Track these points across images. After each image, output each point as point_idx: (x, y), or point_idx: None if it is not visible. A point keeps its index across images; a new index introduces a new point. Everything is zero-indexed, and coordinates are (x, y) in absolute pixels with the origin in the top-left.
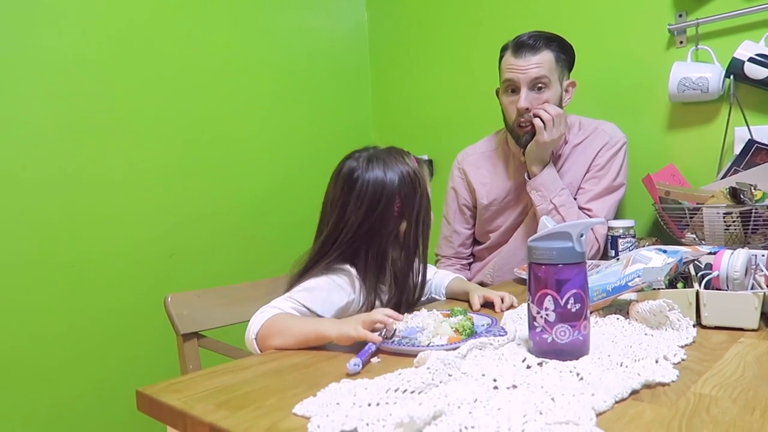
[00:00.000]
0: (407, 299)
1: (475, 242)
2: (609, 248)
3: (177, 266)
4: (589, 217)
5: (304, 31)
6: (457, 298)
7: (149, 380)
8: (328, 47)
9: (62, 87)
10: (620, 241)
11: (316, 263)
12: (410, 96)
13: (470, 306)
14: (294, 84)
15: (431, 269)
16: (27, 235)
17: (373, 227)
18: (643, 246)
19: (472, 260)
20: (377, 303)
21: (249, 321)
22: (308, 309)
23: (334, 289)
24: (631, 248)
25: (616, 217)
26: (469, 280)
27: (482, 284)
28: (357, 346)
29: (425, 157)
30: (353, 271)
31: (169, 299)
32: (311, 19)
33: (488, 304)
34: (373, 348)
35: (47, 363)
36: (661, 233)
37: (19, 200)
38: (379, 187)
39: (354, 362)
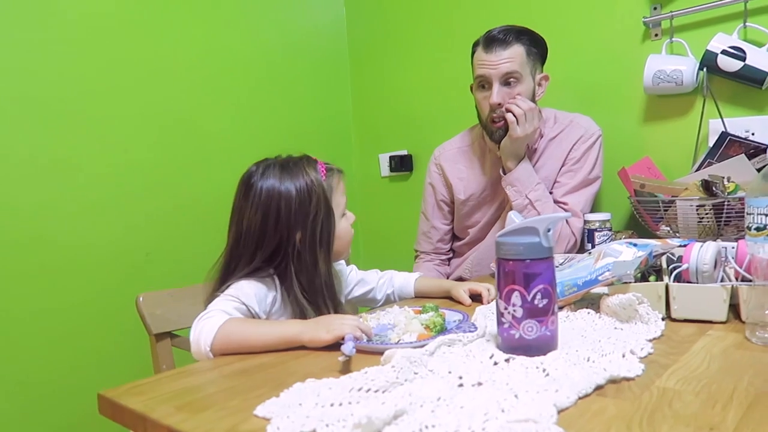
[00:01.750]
0: (321, 308)
1: (455, 238)
2: (586, 242)
3: (153, 264)
4: (566, 211)
5: (282, 25)
6: (430, 296)
7: (124, 380)
8: (307, 41)
9: (35, 80)
10: (597, 234)
11: (233, 269)
12: (389, 91)
13: (457, 303)
14: (272, 78)
15: (376, 273)
16: None
17: (269, 233)
18: (620, 239)
19: (451, 256)
20: (296, 309)
21: (192, 330)
22: (247, 306)
23: (259, 287)
24: (607, 241)
25: (593, 210)
26: (448, 275)
27: (461, 279)
28: (327, 345)
29: (335, 167)
30: (270, 271)
31: (141, 299)
32: (289, 12)
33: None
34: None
35: (16, 360)
36: (638, 226)
37: None
38: (274, 194)
39: (351, 346)
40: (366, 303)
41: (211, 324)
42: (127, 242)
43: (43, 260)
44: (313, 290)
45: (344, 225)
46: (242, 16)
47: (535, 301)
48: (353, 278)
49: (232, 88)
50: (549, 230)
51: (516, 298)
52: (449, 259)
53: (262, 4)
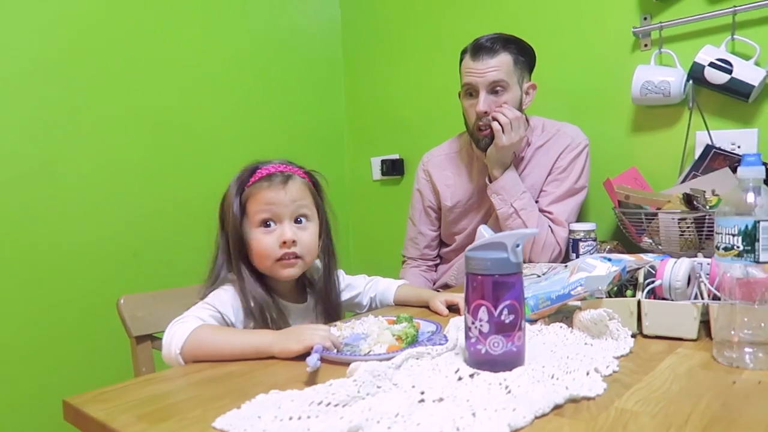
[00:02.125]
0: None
1: (442, 244)
2: (570, 251)
3: (140, 265)
4: (551, 220)
5: (276, 26)
6: (408, 305)
7: (106, 382)
8: (301, 44)
9: (24, 81)
10: (581, 244)
11: (213, 271)
12: (382, 95)
13: (434, 312)
14: (266, 79)
15: (364, 279)
16: None
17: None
18: (604, 249)
19: (438, 262)
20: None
21: (165, 333)
22: (222, 314)
23: (237, 296)
24: (592, 251)
25: (579, 219)
26: (435, 281)
27: (446, 286)
28: (298, 355)
29: (291, 174)
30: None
31: (122, 301)
32: (284, 14)
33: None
34: (321, 350)
35: (2, 359)
36: (623, 237)
37: None
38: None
39: (316, 358)
40: (353, 307)
41: (184, 329)
42: (114, 242)
43: (30, 259)
44: (256, 305)
45: (260, 237)
46: (237, 17)
47: (502, 317)
48: (341, 283)
49: (225, 89)
50: (518, 245)
51: (483, 313)
52: (436, 266)
53: (257, 5)
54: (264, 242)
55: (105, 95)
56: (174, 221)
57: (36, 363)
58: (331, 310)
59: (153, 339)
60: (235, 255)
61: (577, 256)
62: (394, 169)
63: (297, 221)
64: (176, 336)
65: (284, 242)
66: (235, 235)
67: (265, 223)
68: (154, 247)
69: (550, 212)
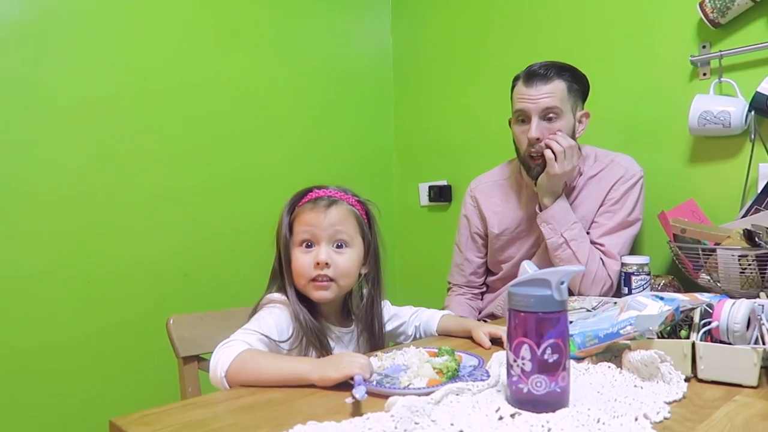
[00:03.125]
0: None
1: (489, 272)
2: (622, 285)
3: (191, 285)
4: (602, 252)
5: (328, 54)
6: (452, 335)
7: (152, 399)
8: (352, 70)
9: (88, 110)
10: (634, 278)
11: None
12: (431, 121)
13: (477, 345)
14: (316, 106)
15: (410, 309)
16: (47, 249)
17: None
18: (659, 283)
19: (485, 290)
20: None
21: (212, 356)
22: (267, 337)
23: (281, 318)
24: (645, 285)
25: (632, 252)
26: (481, 310)
27: (492, 316)
28: (337, 384)
29: (336, 198)
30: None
31: (171, 321)
32: (336, 42)
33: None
34: (362, 380)
35: (58, 372)
36: (678, 272)
37: (41, 216)
38: None
39: (363, 392)
40: (397, 337)
41: (229, 353)
42: (167, 263)
43: (88, 279)
44: (301, 324)
45: (297, 256)
46: (289, 45)
47: (545, 356)
48: (386, 313)
49: (276, 116)
50: (563, 283)
51: (525, 351)
52: (482, 294)
53: (310, 36)
54: (301, 261)
55: (161, 123)
56: (223, 244)
57: (88, 379)
58: (375, 338)
59: (199, 360)
60: (282, 273)
61: (629, 290)
62: (441, 195)
63: (337, 246)
64: (222, 359)
65: (317, 263)
66: (286, 252)
67: (305, 244)
68: (204, 268)
69: (601, 244)
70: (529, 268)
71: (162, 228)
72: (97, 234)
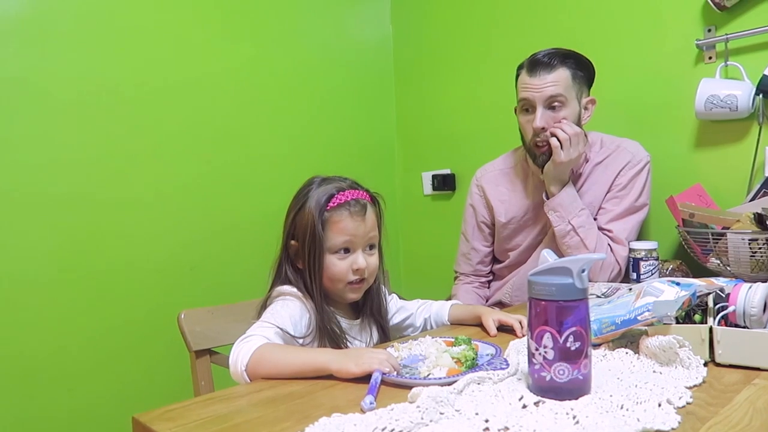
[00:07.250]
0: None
1: (495, 260)
2: (631, 270)
3: (197, 279)
4: (610, 238)
5: (329, 44)
6: (464, 323)
7: (164, 393)
8: (353, 61)
9: (91, 106)
10: (642, 263)
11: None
12: (433, 110)
13: (486, 331)
14: (317, 96)
15: (417, 302)
16: (54, 246)
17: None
18: (667, 268)
19: (491, 278)
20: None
21: (231, 351)
22: (283, 330)
23: (295, 310)
24: (653, 271)
25: (640, 238)
26: (488, 298)
27: (500, 303)
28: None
29: (365, 203)
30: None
31: (182, 315)
32: (336, 31)
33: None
34: (380, 380)
35: (68, 370)
36: (687, 256)
37: (46, 213)
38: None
39: (369, 401)
40: (405, 330)
41: (248, 347)
42: (174, 257)
43: (96, 275)
44: (321, 319)
45: (335, 262)
46: (290, 36)
47: (567, 344)
48: (393, 306)
49: (278, 107)
50: (583, 271)
51: (547, 339)
52: (489, 282)
53: (310, 25)
54: (338, 267)
55: (163, 118)
56: (228, 237)
57: (98, 376)
58: (382, 329)
59: (211, 353)
60: (312, 273)
61: (638, 276)
62: (445, 184)
63: (369, 247)
64: (241, 354)
65: (357, 269)
66: (318, 255)
67: (342, 250)
68: (210, 262)
69: (609, 230)
70: (549, 257)
71: (167, 223)
72: (102, 231)
